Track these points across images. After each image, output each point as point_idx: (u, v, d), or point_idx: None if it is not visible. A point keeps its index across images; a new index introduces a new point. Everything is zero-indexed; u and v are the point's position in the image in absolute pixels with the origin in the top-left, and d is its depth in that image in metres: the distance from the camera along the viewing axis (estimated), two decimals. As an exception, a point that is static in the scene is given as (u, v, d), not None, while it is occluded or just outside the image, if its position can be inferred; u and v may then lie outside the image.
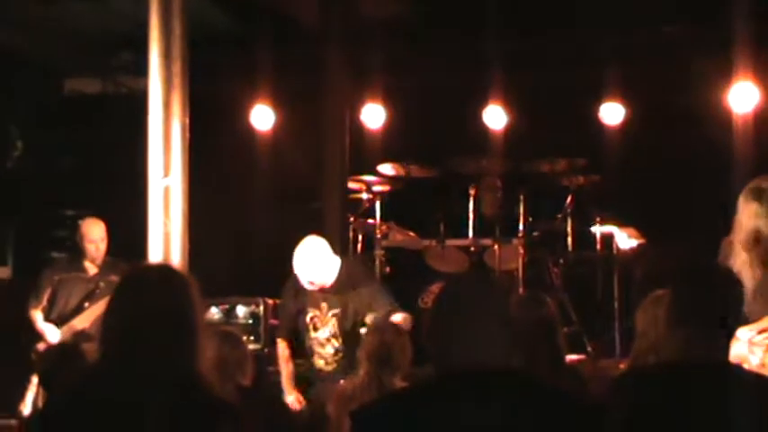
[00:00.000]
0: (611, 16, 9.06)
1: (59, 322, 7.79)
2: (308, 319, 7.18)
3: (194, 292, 3.32)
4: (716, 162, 8.81)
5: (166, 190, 6.16)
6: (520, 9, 9.42)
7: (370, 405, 3.41)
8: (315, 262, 6.98)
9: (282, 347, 7.32)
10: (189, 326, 3.26)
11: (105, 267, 7.93)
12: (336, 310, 7.09)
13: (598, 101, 9.98)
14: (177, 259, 6.16)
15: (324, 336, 7.16)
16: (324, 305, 7.12)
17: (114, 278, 7.77)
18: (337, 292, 7.10)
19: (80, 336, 7.60)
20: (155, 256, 6.18)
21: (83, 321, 7.74)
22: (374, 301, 7.12)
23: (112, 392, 3.18)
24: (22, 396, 7.61)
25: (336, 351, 7.17)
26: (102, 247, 7.95)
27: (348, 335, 7.09)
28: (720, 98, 9.34)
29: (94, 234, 7.94)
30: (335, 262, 7.10)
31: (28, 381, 7.67)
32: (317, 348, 7.17)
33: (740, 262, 5.55)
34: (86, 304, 7.82)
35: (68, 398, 3.40)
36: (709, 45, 9.27)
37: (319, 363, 7.17)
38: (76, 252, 8.04)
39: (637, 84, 9.85)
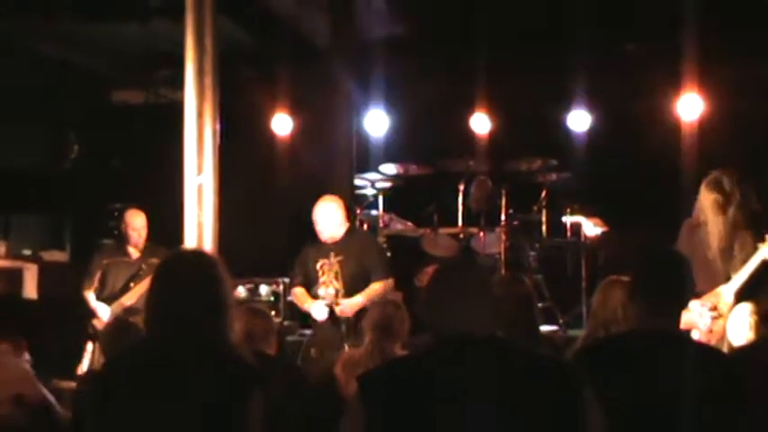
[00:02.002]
0: (580, 35, 9.02)
1: (109, 300, 7.80)
2: (318, 266, 7.28)
3: (224, 273, 3.31)
4: (667, 161, 8.81)
5: (200, 186, 6.16)
6: (502, 31, 9.41)
7: (374, 370, 3.41)
8: (327, 213, 7.25)
9: (298, 290, 7.39)
10: (220, 303, 3.26)
11: (146, 252, 7.93)
12: (341, 257, 7.23)
13: (568, 109, 9.96)
14: (209, 245, 6.17)
15: (328, 278, 7.24)
16: (332, 254, 7.25)
17: (154, 261, 7.75)
18: (346, 245, 7.26)
19: (128, 310, 7.59)
20: (190, 242, 6.18)
21: (129, 298, 7.75)
22: (374, 266, 7.30)
23: (157, 359, 3.19)
24: (79, 362, 7.64)
25: (337, 292, 7.22)
26: (143, 234, 7.95)
27: (350, 280, 7.21)
28: (671, 107, 9.33)
29: (137, 223, 7.94)
30: (344, 219, 7.34)
31: (83, 349, 7.71)
32: (321, 291, 7.24)
33: (708, 230, 5.59)
34: (132, 284, 7.82)
35: (120, 363, 3.41)
36: (662, 61, 9.26)
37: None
38: (121, 239, 8.02)
39: (600, 94, 9.84)
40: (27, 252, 9.89)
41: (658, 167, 9.10)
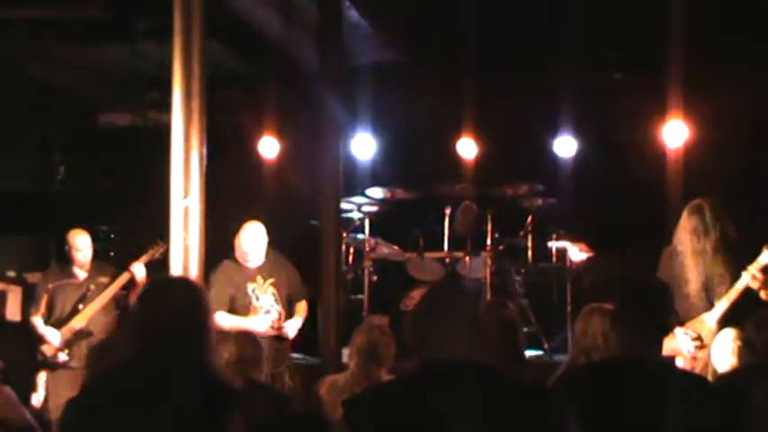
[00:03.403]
0: (566, 62, 9.09)
1: (59, 324, 7.53)
2: (249, 291, 7.35)
3: (206, 300, 3.36)
4: (652, 188, 8.85)
5: (186, 209, 6.13)
6: (489, 57, 9.46)
7: (360, 395, 3.41)
8: (257, 237, 7.43)
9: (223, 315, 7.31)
10: (201, 328, 3.31)
11: (93, 272, 7.72)
12: (272, 279, 7.39)
13: (554, 135, 10.02)
14: (195, 268, 6.12)
15: (268, 303, 7.35)
16: (259, 277, 7.37)
17: (102, 279, 7.68)
18: (269, 268, 7.43)
19: (79, 334, 7.45)
20: (175, 264, 6.16)
21: (79, 322, 7.51)
22: (298, 287, 7.60)
23: (138, 381, 3.23)
24: (33, 389, 7.52)
25: (280, 315, 7.39)
26: (89, 254, 7.71)
27: (286, 302, 7.43)
28: (656, 134, 9.39)
29: (81, 243, 7.69)
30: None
31: (36, 376, 7.54)
32: (262, 315, 7.32)
33: (686, 261, 5.62)
34: (80, 306, 7.58)
35: (101, 384, 3.45)
36: (647, 88, 9.32)
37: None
38: (66, 261, 7.77)
39: (586, 121, 9.90)
40: (11, 274, 9.85)
41: (644, 193, 9.14)
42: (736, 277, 5.51)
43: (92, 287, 7.65)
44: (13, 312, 9.42)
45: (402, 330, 6.43)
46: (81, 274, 7.73)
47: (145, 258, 7.67)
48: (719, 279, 5.60)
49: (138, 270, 7.59)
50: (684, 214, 5.76)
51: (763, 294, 5.43)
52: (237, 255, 7.45)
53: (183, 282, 3.67)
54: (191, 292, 3.40)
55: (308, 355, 8.71)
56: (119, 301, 7.65)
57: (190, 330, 3.28)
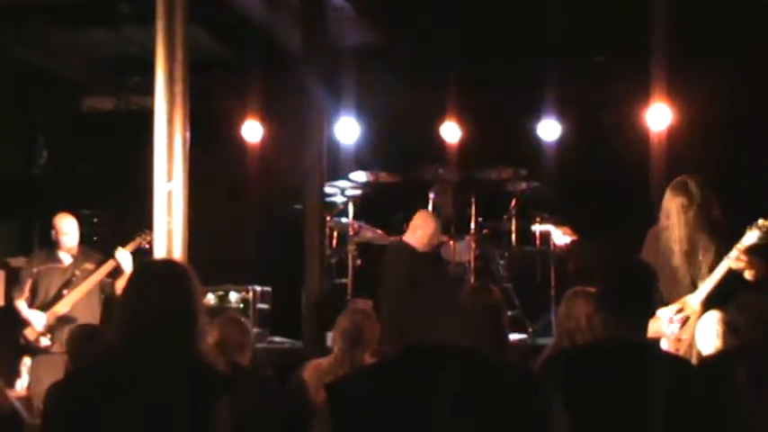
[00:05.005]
0: (550, 47, 9.07)
1: (42, 309, 7.45)
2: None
3: (193, 283, 3.34)
4: (636, 171, 8.86)
5: (169, 193, 6.11)
6: (472, 40, 9.44)
7: (343, 378, 3.40)
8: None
9: None
10: (189, 311, 3.28)
11: (79, 257, 7.65)
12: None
13: (538, 119, 10.02)
14: (178, 252, 6.11)
15: None
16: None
17: (88, 266, 7.58)
18: None
19: (62, 319, 7.34)
20: (159, 249, 6.13)
21: (63, 307, 7.41)
22: None
23: (126, 366, 3.20)
24: (16, 374, 7.47)
25: None
26: (75, 238, 7.64)
27: None
28: (640, 117, 9.39)
29: (67, 227, 7.60)
30: None
31: (20, 361, 7.50)
32: None
33: (671, 235, 5.62)
34: (65, 291, 7.47)
35: (88, 370, 3.43)
36: (631, 72, 9.33)
37: None
38: (52, 245, 7.67)
39: (570, 104, 9.90)
40: (-6, 258, 9.80)
41: (627, 177, 9.15)
42: (719, 254, 5.51)
43: (77, 273, 7.56)
44: (-5, 297, 9.37)
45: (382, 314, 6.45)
46: (67, 258, 7.64)
47: (131, 246, 7.58)
48: (703, 253, 5.59)
49: (124, 257, 7.51)
50: (669, 189, 5.76)
51: (747, 275, 5.43)
52: None
53: (172, 265, 3.62)
54: (179, 276, 3.36)
55: (292, 338, 8.71)
56: (103, 288, 7.60)
57: (178, 315, 3.25)
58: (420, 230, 8.14)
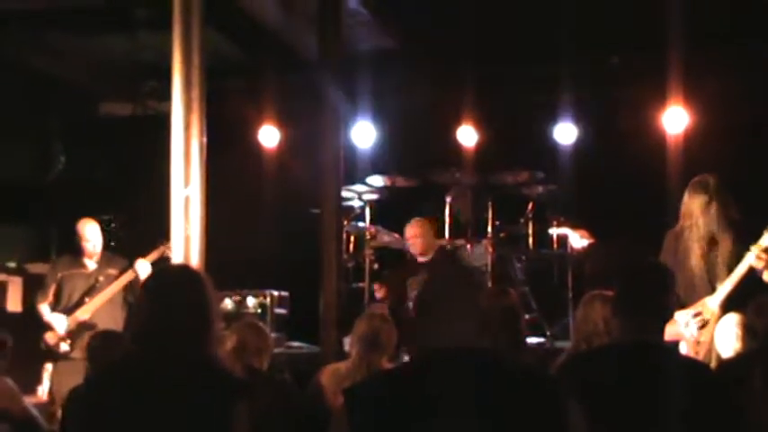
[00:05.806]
0: (566, 50, 9.06)
1: (64, 314, 7.52)
2: None
3: (209, 289, 3.35)
4: (653, 174, 8.82)
5: (187, 198, 6.12)
6: (488, 44, 9.44)
7: (361, 383, 3.40)
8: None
9: None
10: (205, 317, 3.29)
11: (103, 262, 7.70)
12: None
13: (554, 122, 10.00)
14: (196, 257, 6.12)
15: None
16: None
17: (111, 271, 7.64)
18: None
19: (83, 325, 7.39)
20: (177, 254, 6.15)
21: (84, 313, 7.48)
22: None
23: (143, 371, 3.22)
24: (37, 380, 7.50)
25: None
26: (99, 244, 7.69)
27: None
28: (656, 120, 9.37)
29: (89, 233, 7.66)
30: None
31: (42, 366, 7.56)
32: None
33: (691, 235, 5.60)
34: (87, 299, 7.55)
35: (107, 377, 3.43)
36: (647, 74, 9.30)
37: None
38: (76, 251, 7.73)
39: (586, 108, 9.88)
40: (11, 264, 9.84)
41: (644, 180, 9.13)
42: (738, 254, 5.49)
43: (100, 278, 7.62)
44: (13, 303, 9.41)
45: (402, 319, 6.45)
46: (91, 264, 7.71)
47: (152, 257, 7.59)
48: (723, 251, 5.58)
49: (143, 268, 7.51)
50: (689, 188, 5.75)
51: (765, 276, 5.41)
52: None
53: (187, 272, 3.61)
54: (193, 282, 3.38)
55: (309, 343, 8.71)
56: (126, 296, 7.61)
57: (193, 321, 3.26)
58: (420, 239, 8.28)
